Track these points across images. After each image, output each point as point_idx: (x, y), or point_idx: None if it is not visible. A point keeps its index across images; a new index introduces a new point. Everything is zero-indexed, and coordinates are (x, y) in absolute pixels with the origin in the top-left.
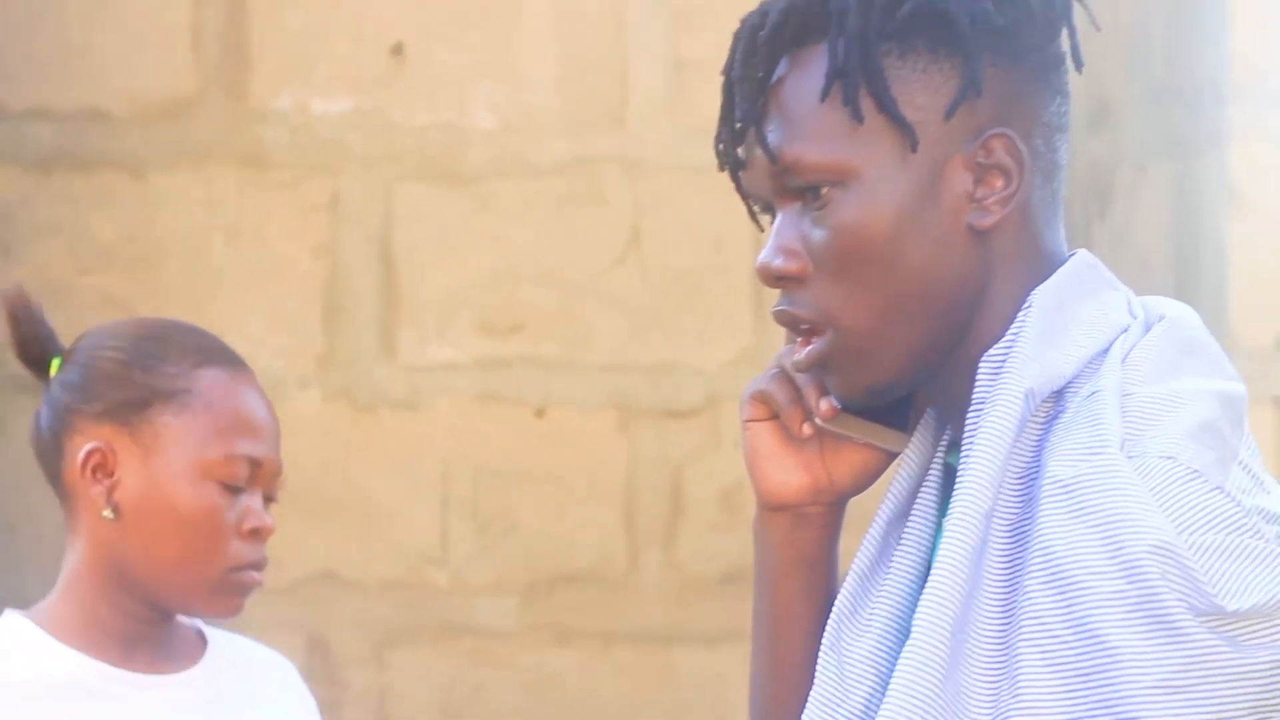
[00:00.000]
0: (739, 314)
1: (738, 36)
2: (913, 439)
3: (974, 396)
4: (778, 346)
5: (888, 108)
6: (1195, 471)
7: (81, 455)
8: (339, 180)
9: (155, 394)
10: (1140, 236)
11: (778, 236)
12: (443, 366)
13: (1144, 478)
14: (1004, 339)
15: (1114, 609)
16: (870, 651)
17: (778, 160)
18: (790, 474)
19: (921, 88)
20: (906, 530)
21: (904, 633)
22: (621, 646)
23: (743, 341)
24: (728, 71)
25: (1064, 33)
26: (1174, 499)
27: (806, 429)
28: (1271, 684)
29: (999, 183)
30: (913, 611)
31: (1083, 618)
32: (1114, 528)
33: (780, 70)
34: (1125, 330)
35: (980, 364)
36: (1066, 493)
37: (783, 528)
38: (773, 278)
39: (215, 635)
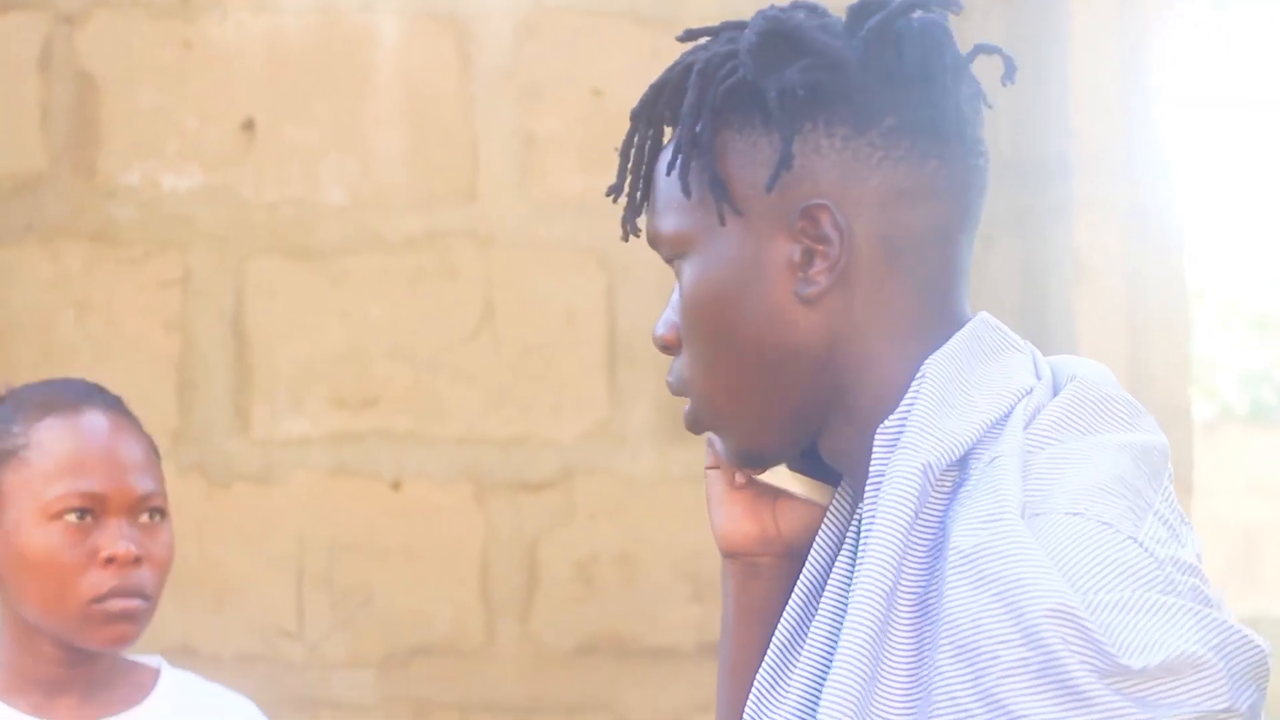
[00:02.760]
0: (593, 387)
1: (631, 113)
2: (832, 504)
3: (871, 469)
4: (632, 417)
5: (706, 180)
6: (1106, 524)
7: None
8: (190, 256)
9: (2, 456)
10: (988, 308)
11: (667, 307)
12: (297, 441)
13: (1050, 537)
14: (898, 410)
15: (1018, 678)
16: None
17: (644, 233)
18: (739, 522)
19: (749, 161)
20: (823, 601)
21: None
22: (479, 718)
23: (597, 414)
24: (621, 146)
25: (929, 98)
26: (1082, 554)
27: (739, 478)
28: None
29: (822, 254)
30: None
31: (989, 689)
32: (1013, 594)
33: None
34: (1029, 393)
35: (876, 437)
36: (968, 563)
37: (736, 576)
38: (656, 346)
39: (170, 677)
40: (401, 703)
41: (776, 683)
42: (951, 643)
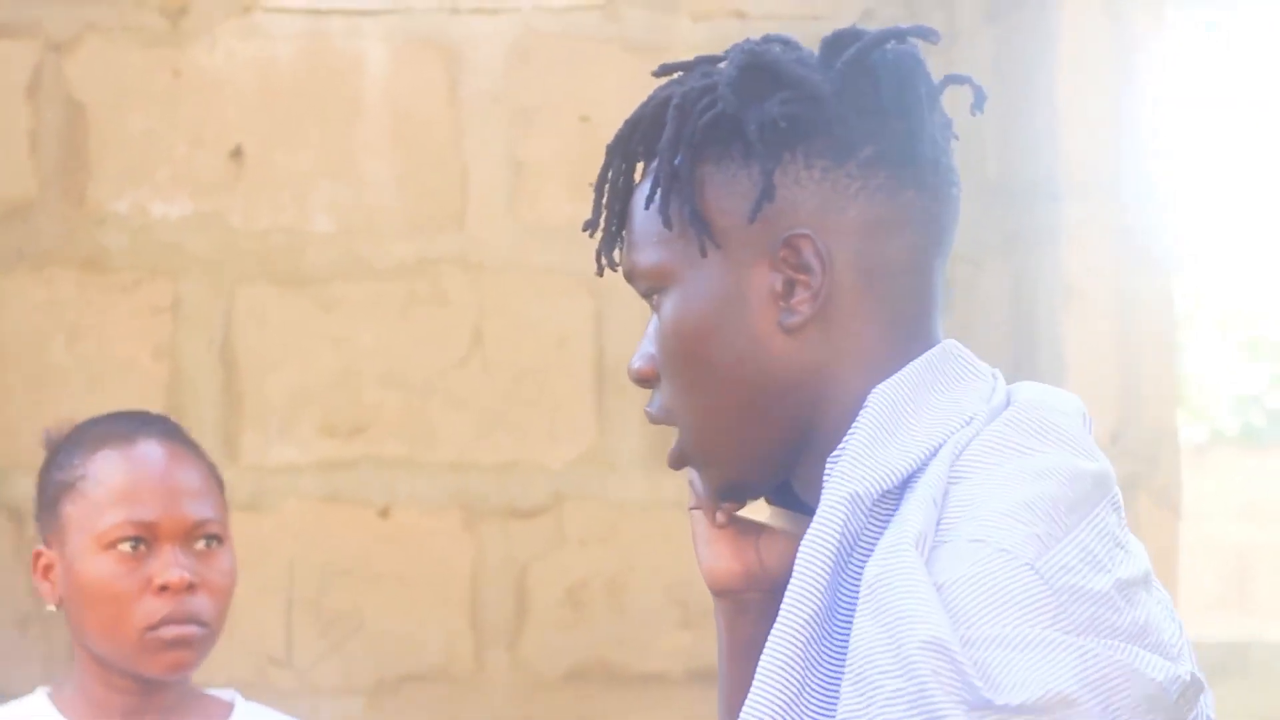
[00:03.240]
0: (583, 412)
1: (607, 147)
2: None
3: (821, 498)
4: (622, 443)
5: (686, 213)
6: (1003, 550)
7: (31, 560)
8: (180, 283)
9: (61, 489)
10: (978, 332)
11: (643, 339)
12: (286, 468)
13: (946, 566)
14: (843, 440)
15: (895, 708)
16: None
17: (621, 267)
18: (723, 560)
19: (729, 193)
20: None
21: None
22: None
23: (587, 440)
24: (597, 180)
25: (906, 130)
26: (972, 585)
27: (720, 517)
28: None
29: (804, 283)
30: None
31: (874, 718)
32: (896, 626)
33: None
34: (970, 421)
35: (825, 465)
36: (870, 592)
37: (726, 614)
38: (633, 379)
39: (244, 709)
40: None
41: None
42: (850, 671)
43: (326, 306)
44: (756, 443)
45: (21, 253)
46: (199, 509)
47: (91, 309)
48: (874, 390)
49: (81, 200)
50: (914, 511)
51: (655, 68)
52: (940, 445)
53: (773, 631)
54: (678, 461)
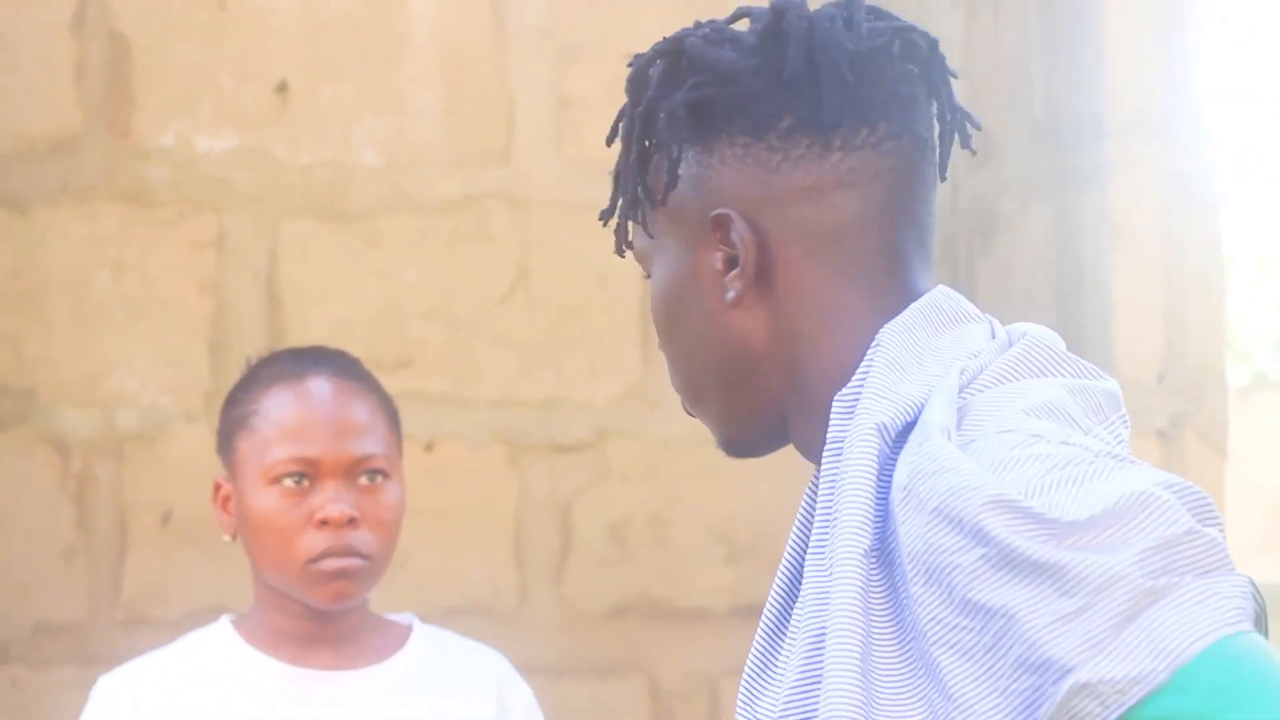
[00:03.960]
0: (626, 349)
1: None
2: (805, 493)
3: (828, 437)
4: (665, 380)
5: (632, 201)
6: (1036, 436)
7: (211, 492)
8: (224, 217)
9: (236, 424)
10: (1023, 270)
11: None
12: None
13: (982, 453)
14: (854, 379)
15: (986, 576)
16: (786, 701)
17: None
18: None
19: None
20: (803, 584)
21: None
22: None
23: (630, 377)
24: (614, 168)
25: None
26: (1014, 457)
27: None
28: (1152, 569)
29: (737, 259)
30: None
31: (965, 598)
32: (949, 503)
33: None
34: (976, 355)
35: (833, 405)
36: (906, 493)
37: None
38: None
39: (422, 631)
40: None
41: (766, 667)
42: (916, 571)
43: (371, 241)
44: (736, 407)
45: (65, 187)
46: (362, 445)
47: (136, 243)
48: (883, 329)
49: (126, 134)
50: (934, 409)
51: (700, 3)
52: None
53: (834, 571)
54: (688, 412)
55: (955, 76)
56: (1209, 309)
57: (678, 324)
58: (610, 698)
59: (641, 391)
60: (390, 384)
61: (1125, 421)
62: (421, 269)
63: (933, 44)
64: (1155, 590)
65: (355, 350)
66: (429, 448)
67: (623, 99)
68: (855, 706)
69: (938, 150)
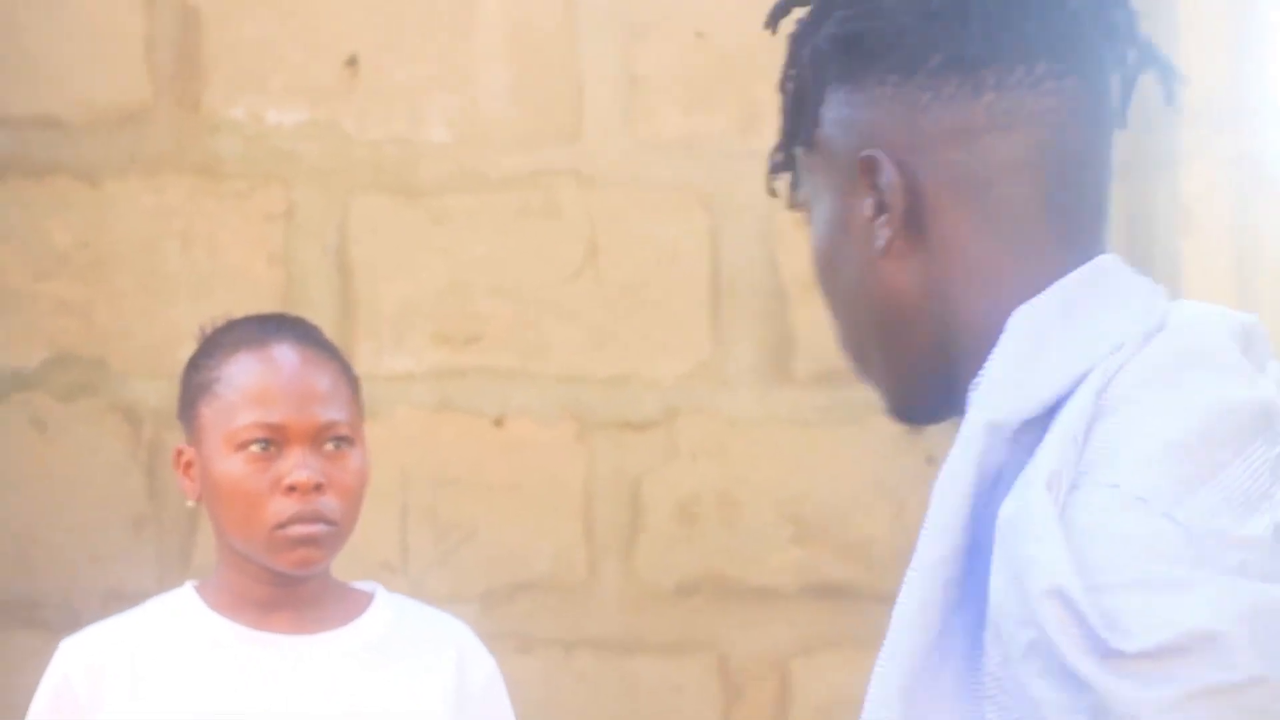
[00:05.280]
0: (696, 327)
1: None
2: None
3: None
4: (735, 358)
5: (797, 144)
6: (1140, 499)
7: (173, 457)
8: (293, 190)
9: (199, 390)
10: None
11: None
12: (400, 376)
13: (1079, 511)
14: (984, 367)
15: (1031, 660)
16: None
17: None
18: None
19: (824, 119)
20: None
21: None
22: (582, 654)
23: (700, 354)
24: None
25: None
26: (1104, 532)
27: None
28: (1187, 714)
29: (886, 204)
30: None
31: (1014, 671)
32: (1023, 573)
33: None
34: (1120, 347)
35: (967, 394)
36: (1001, 536)
37: None
38: None
39: (384, 599)
40: (504, 638)
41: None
42: (990, 621)
43: (439, 217)
44: (898, 365)
45: (134, 158)
46: (328, 411)
47: (204, 215)
48: (1016, 310)
49: (196, 106)
50: (1051, 448)
51: None
52: (1087, 372)
53: (909, 571)
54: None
55: (1138, 14)
56: (1279, 295)
57: (833, 276)
58: (678, 676)
59: (710, 369)
60: (458, 359)
61: (1277, 436)
62: (490, 245)
63: None
64: None
65: (424, 326)
66: (498, 423)
67: (691, 78)
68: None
69: (1115, 95)
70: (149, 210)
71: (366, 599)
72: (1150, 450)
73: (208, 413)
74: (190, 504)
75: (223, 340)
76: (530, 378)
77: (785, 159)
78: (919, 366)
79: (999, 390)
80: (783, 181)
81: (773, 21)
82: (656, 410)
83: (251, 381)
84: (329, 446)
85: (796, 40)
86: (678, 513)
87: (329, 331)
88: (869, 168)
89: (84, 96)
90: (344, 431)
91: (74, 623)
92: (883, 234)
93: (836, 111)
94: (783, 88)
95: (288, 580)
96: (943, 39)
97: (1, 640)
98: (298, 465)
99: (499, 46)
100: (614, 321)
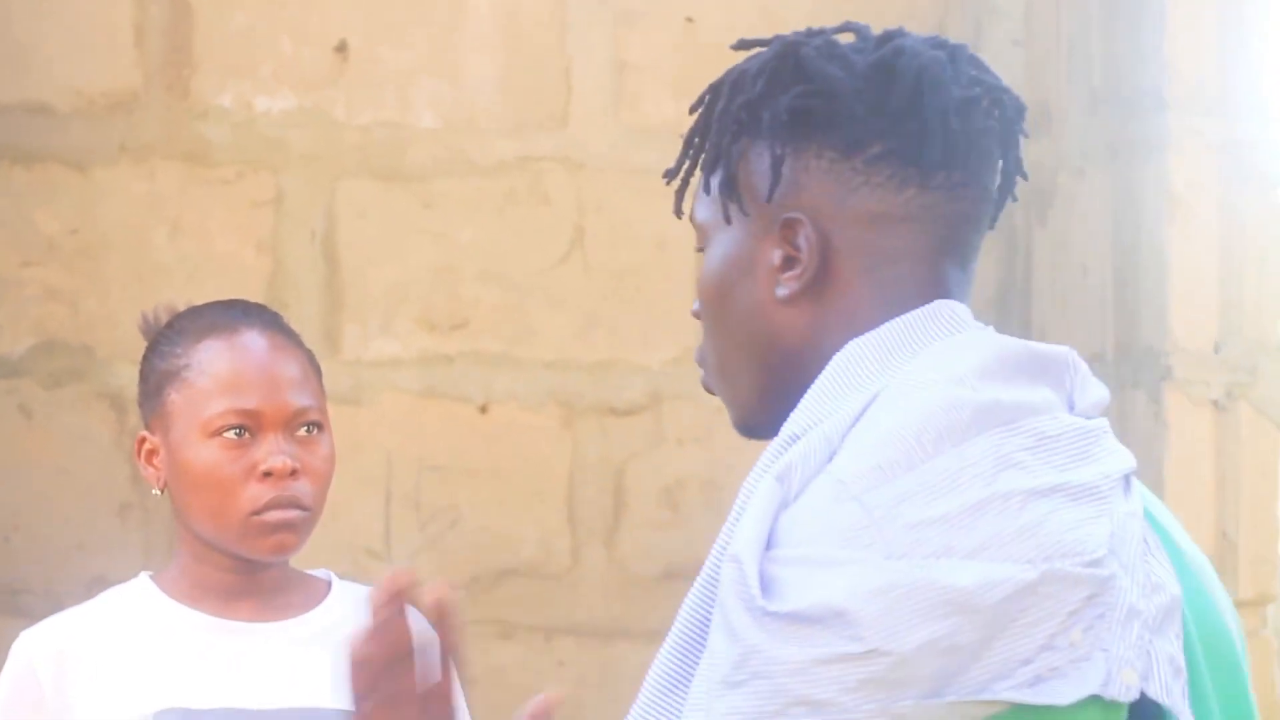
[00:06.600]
0: (681, 313)
1: (691, 107)
2: None
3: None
4: None
5: (719, 182)
6: (840, 482)
7: (135, 444)
8: (282, 177)
9: (165, 377)
10: (1080, 242)
11: None
12: (386, 362)
13: (805, 494)
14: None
15: (716, 616)
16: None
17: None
18: None
19: (754, 170)
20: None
21: None
22: (564, 641)
23: (685, 340)
24: (686, 135)
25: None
26: (808, 513)
27: None
28: (806, 679)
29: (798, 261)
30: None
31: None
32: (730, 539)
33: None
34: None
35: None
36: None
37: None
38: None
39: (341, 586)
40: (487, 624)
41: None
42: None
43: (427, 203)
44: (757, 390)
45: (124, 145)
46: (300, 397)
47: (193, 202)
48: (847, 344)
49: (185, 94)
50: (800, 448)
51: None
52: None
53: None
54: (706, 389)
55: (1027, 136)
56: (1265, 281)
57: (725, 303)
58: None
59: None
60: (445, 344)
61: (1015, 430)
62: (477, 230)
63: (1019, 108)
64: (806, 700)
65: (410, 311)
66: (483, 409)
67: (680, 64)
68: (659, 682)
69: (993, 204)
70: (138, 197)
71: (325, 586)
72: (868, 441)
73: (177, 399)
74: (156, 492)
75: (187, 327)
76: (516, 363)
77: (685, 175)
78: (777, 393)
79: (807, 405)
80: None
81: (736, 82)
82: (642, 396)
83: (223, 368)
84: (301, 432)
85: (755, 100)
86: (662, 498)
87: (316, 318)
88: (791, 226)
89: (73, 84)
90: (315, 417)
91: (58, 611)
92: (789, 285)
93: (772, 169)
94: (717, 125)
95: (251, 568)
96: (887, 133)
97: None
98: (273, 451)
99: (487, 32)
100: (600, 307)
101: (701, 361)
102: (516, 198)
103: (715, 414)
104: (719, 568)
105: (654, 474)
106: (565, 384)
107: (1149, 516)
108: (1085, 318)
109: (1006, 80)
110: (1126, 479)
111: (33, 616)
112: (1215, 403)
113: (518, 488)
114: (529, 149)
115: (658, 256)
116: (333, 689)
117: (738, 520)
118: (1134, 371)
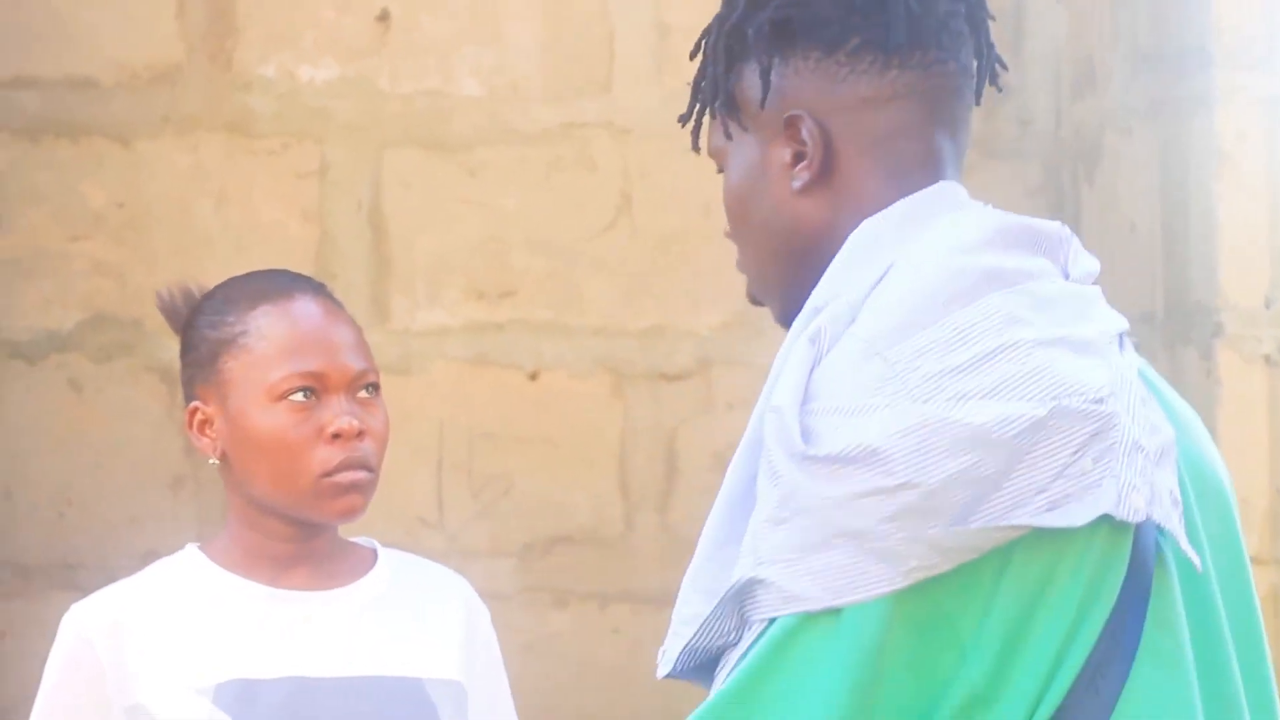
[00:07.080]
0: (729, 277)
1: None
2: None
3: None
4: (768, 310)
5: (719, 104)
6: (861, 340)
7: (185, 416)
8: (326, 147)
9: (220, 345)
10: (1127, 199)
11: None
12: (435, 331)
13: (832, 355)
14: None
15: (763, 465)
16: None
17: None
18: None
19: (749, 85)
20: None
21: None
22: (618, 607)
23: (734, 305)
24: (694, 79)
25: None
26: (835, 370)
27: None
28: (846, 512)
29: (805, 153)
30: None
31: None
32: (770, 394)
33: None
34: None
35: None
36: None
37: None
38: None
39: (388, 554)
40: (540, 592)
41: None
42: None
43: (472, 171)
44: (795, 280)
45: (168, 117)
46: (358, 359)
47: (238, 173)
48: (862, 223)
49: (228, 65)
50: (827, 312)
51: None
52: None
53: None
54: (751, 299)
55: (993, 19)
56: None
57: (750, 211)
58: None
59: (745, 319)
60: (493, 313)
61: (1020, 290)
62: (523, 198)
63: None
64: (846, 531)
65: (458, 280)
66: (533, 376)
67: None
68: (710, 542)
69: (975, 80)
70: (183, 170)
71: (371, 554)
72: (888, 303)
73: (235, 366)
74: (212, 461)
75: (235, 296)
76: (565, 331)
77: (698, 115)
78: (809, 280)
79: (829, 279)
80: (701, 136)
81: (723, 8)
82: (691, 361)
83: (284, 332)
84: (362, 394)
85: (737, 21)
86: (714, 464)
87: (364, 288)
88: (793, 124)
89: (116, 57)
90: (374, 379)
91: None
92: (802, 176)
93: (758, 76)
94: (711, 57)
95: (307, 535)
96: (861, 26)
97: (39, 603)
98: (340, 412)
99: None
100: (648, 273)
101: (744, 270)
102: (561, 165)
103: (764, 377)
104: (760, 428)
105: (705, 439)
106: (614, 350)
107: (1142, 375)
108: (1135, 276)
109: (1050, 40)
110: (1121, 338)
111: (87, 591)
112: (1267, 358)
113: (569, 455)
114: (573, 115)
115: (704, 221)
116: (391, 657)
117: (776, 380)
118: (1185, 329)
